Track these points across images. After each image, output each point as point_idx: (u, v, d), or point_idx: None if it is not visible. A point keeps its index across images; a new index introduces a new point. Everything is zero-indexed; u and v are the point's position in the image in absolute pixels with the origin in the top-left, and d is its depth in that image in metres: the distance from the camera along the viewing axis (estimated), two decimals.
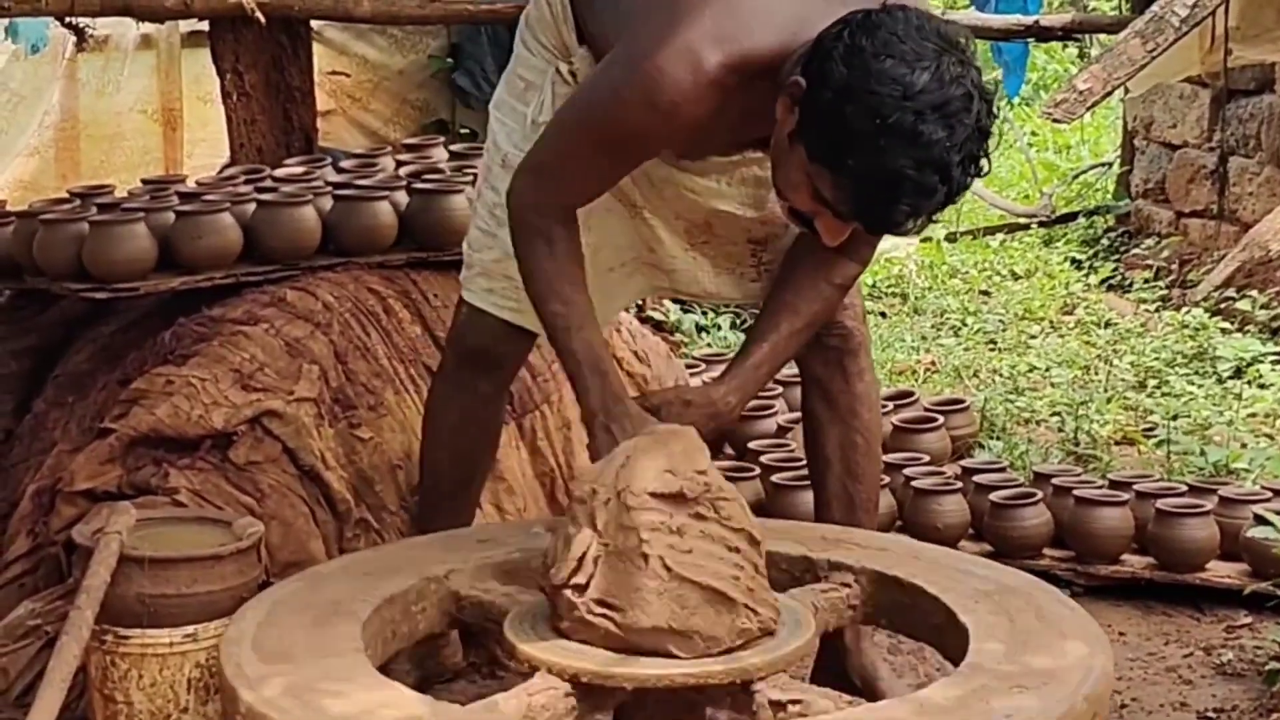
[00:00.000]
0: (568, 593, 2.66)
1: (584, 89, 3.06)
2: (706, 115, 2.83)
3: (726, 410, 3.08)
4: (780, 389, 5.12)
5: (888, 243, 8.92)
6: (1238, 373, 6.47)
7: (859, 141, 2.64)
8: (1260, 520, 4.19)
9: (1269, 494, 4.48)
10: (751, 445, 4.74)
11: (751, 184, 3.26)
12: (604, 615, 2.64)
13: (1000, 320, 7.57)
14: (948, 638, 2.83)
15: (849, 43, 2.67)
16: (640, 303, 6.70)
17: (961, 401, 5.43)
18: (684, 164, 3.21)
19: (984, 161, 2.69)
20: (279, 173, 4.53)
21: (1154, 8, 6.43)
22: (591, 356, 2.95)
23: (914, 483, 4.47)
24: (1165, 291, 7.88)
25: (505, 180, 3.18)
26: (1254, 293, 7.14)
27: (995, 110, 2.70)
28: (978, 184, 10.15)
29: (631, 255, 3.36)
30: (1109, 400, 6.14)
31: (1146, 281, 8.04)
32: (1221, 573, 4.31)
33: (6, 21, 7.21)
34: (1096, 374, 6.58)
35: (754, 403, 4.95)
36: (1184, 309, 7.30)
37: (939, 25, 2.70)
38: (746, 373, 3.11)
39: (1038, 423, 5.94)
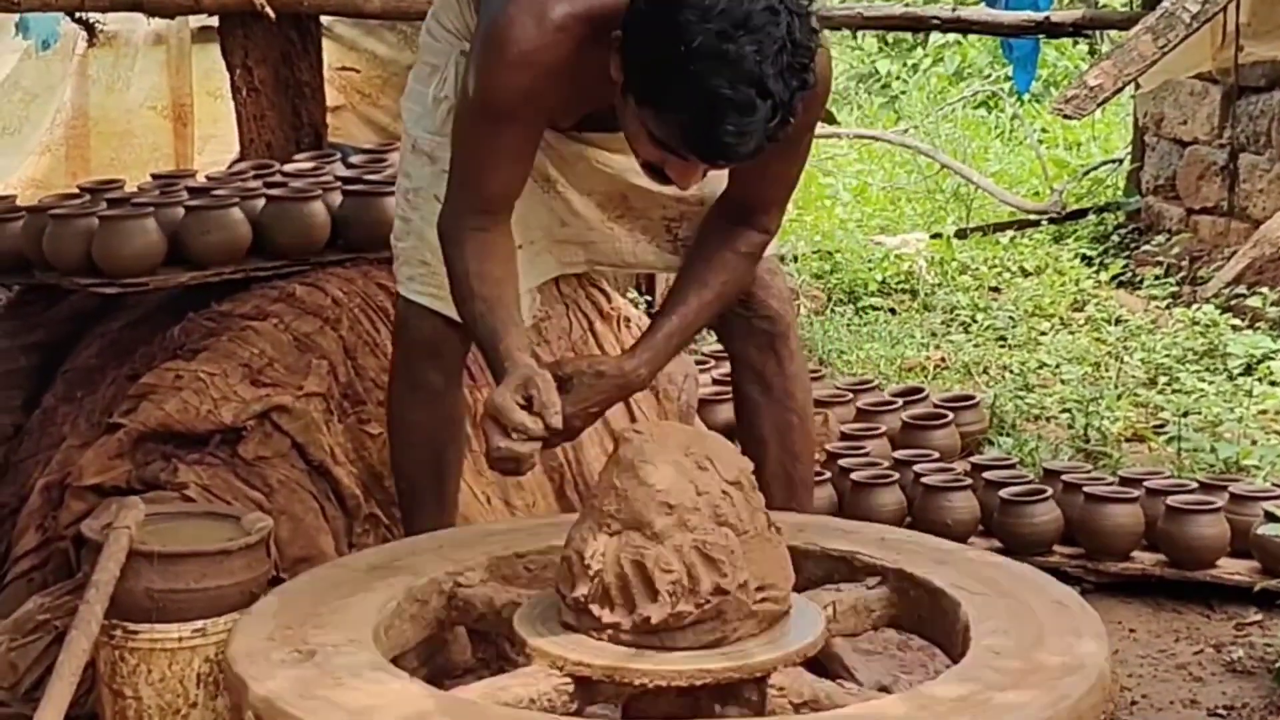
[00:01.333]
0: (593, 608, 2.67)
1: (461, 81, 3.10)
2: (562, 66, 2.87)
3: (637, 381, 3.09)
4: None
5: (896, 239, 8.92)
6: (1248, 369, 6.46)
7: (669, 71, 2.66)
8: (1271, 517, 4.19)
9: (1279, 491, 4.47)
10: (719, 429, 4.73)
11: None
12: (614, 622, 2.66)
13: (1010, 317, 7.56)
14: (949, 633, 2.83)
15: None
16: (650, 300, 6.70)
17: (971, 398, 5.43)
18: (592, 137, 3.25)
19: (806, 75, 2.68)
20: (288, 168, 4.54)
21: (1165, 4, 6.41)
22: (492, 342, 2.94)
23: (923, 479, 4.47)
24: (1176, 288, 7.87)
25: (415, 165, 3.32)
26: (1265, 289, 7.14)
27: (813, 24, 2.70)
28: (987, 180, 10.15)
29: (541, 233, 3.37)
30: (1119, 397, 6.14)
31: (1157, 278, 8.03)
32: (1232, 570, 4.31)
33: (17, 17, 7.22)
34: (1107, 370, 6.58)
35: (718, 388, 4.97)
36: (1194, 306, 7.29)
37: None
38: (658, 344, 3.12)
39: (1048, 419, 5.94)
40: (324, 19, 5.92)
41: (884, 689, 3.40)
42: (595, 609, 2.65)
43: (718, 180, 3.21)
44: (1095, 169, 10.16)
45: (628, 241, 3.44)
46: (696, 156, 2.76)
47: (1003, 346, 7.13)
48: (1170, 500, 4.35)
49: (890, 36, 13.49)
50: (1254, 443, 5.53)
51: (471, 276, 3.01)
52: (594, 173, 3.34)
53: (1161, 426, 5.80)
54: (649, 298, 6.76)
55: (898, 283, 8.26)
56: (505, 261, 3.03)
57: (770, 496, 3.43)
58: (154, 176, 4.53)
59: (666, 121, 2.72)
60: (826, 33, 2.97)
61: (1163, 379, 6.44)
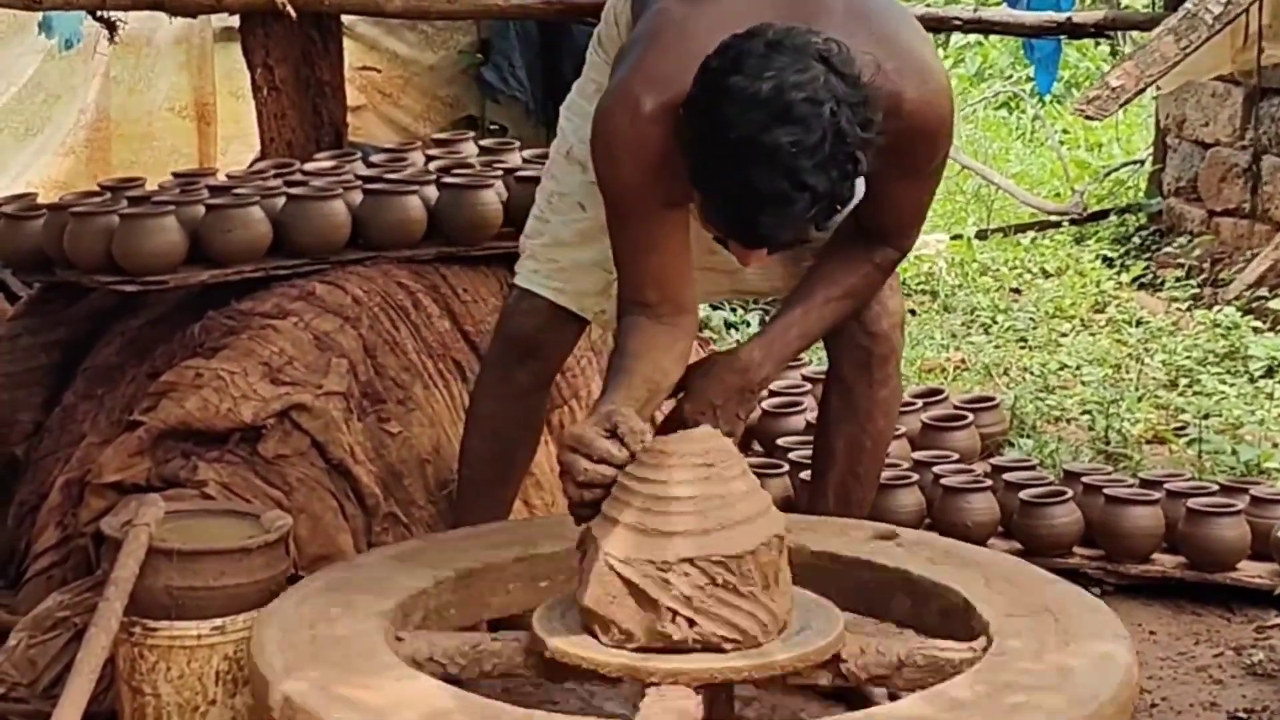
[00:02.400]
0: (606, 614, 2.67)
1: None
2: (660, 156, 2.87)
3: (753, 368, 3.10)
4: (809, 386, 5.11)
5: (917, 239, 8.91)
6: (1269, 372, 6.44)
7: (711, 159, 2.68)
8: None
9: None
10: (780, 442, 4.74)
11: None
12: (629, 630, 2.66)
13: (1031, 318, 7.54)
14: (950, 621, 2.83)
15: (705, 66, 2.71)
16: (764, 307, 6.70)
17: (991, 399, 5.41)
18: None
19: (851, 165, 2.67)
20: (309, 167, 4.54)
21: (1187, 5, 6.39)
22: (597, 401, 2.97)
23: (943, 480, 4.46)
24: (1197, 290, 7.85)
25: (567, 171, 3.34)
26: None
27: (868, 113, 2.68)
28: (1008, 181, 10.10)
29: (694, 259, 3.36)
30: (1140, 399, 6.12)
31: (1178, 280, 8.00)
32: (1252, 572, 4.29)
33: (40, 16, 7.23)
34: (1127, 372, 6.56)
35: (782, 399, 4.97)
36: (1216, 308, 7.27)
37: (799, 39, 2.69)
38: (775, 332, 3.14)
39: (1068, 421, 5.92)
40: (345, 18, 5.94)
41: (894, 697, 3.38)
42: (609, 616, 2.65)
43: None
44: (1116, 170, 10.13)
45: (774, 270, 3.38)
46: (740, 243, 2.78)
47: (1023, 348, 7.11)
48: (1191, 503, 4.34)
49: None
50: (1275, 445, 5.51)
51: (615, 349, 3.06)
52: None
53: (1182, 429, 5.79)
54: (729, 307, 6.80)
55: (918, 284, 8.24)
56: (646, 342, 3.02)
57: (824, 506, 3.47)
58: (175, 175, 4.53)
59: (710, 208, 2.75)
60: (944, 75, 3.01)
61: (1184, 381, 6.42)
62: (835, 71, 2.66)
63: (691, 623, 2.63)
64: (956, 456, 4.75)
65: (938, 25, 7.30)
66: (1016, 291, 8.18)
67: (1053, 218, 9.43)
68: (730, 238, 2.78)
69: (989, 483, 4.48)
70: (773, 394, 5.01)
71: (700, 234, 3.28)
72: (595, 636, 2.68)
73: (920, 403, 5.19)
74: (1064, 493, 4.40)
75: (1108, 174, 10.13)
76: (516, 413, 3.51)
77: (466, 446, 3.58)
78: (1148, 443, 5.70)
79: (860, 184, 3.23)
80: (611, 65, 3.30)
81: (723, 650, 2.64)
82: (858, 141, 2.66)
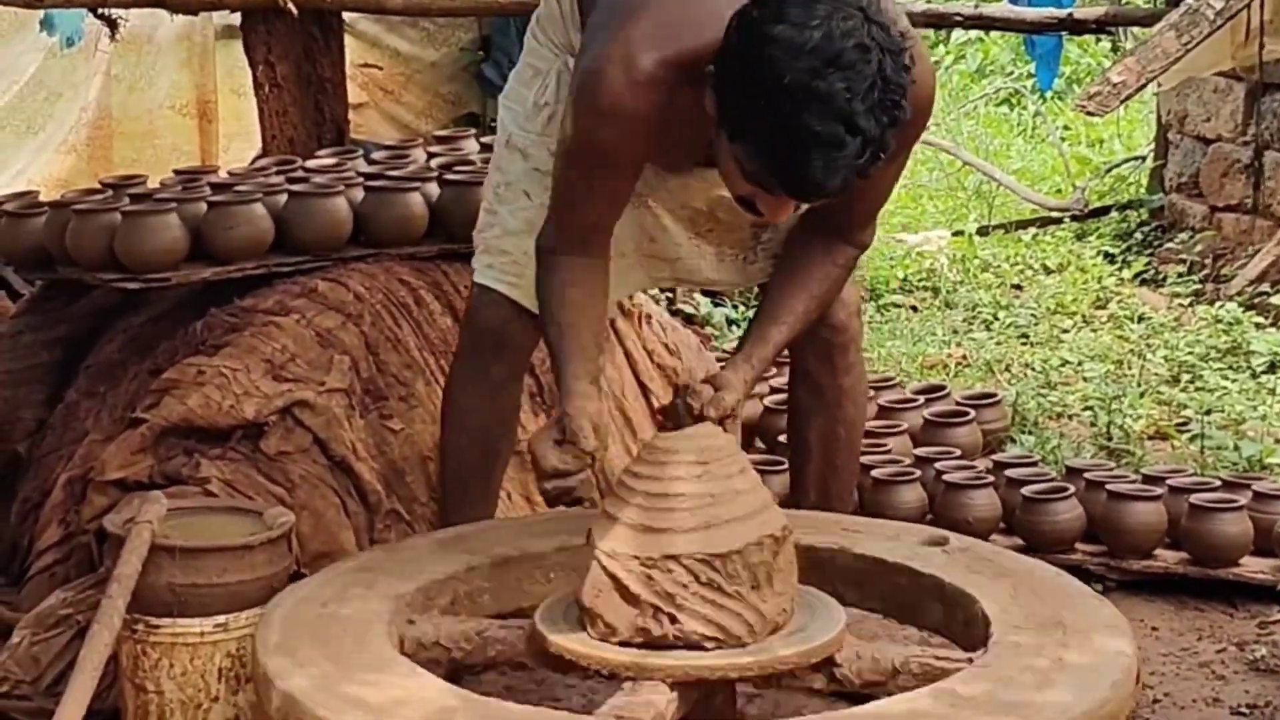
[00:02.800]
0: (609, 612, 2.68)
1: (561, 119, 3.14)
2: (653, 114, 2.89)
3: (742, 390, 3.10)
4: None
5: (918, 237, 8.91)
6: (1272, 367, 6.43)
7: (760, 107, 2.68)
8: None
9: None
10: (782, 438, 4.73)
11: None
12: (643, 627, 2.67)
13: (1032, 314, 7.54)
14: (969, 630, 2.82)
15: (743, 16, 2.72)
16: (670, 296, 6.69)
17: (993, 396, 5.41)
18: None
19: (898, 112, 2.69)
20: (310, 164, 4.54)
21: (1188, 0, 6.39)
22: (559, 366, 3.02)
23: (945, 477, 4.46)
24: (1199, 286, 7.84)
25: (509, 160, 3.36)
26: None
27: (907, 61, 2.71)
28: (1009, 177, 10.10)
29: (631, 246, 3.39)
30: (1142, 395, 6.12)
31: (1180, 276, 8.00)
32: (1255, 568, 4.29)
33: (41, 14, 7.23)
34: (1129, 368, 6.56)
35: (783, 395, 4.96)
36: (1218, 303, 7.26)
37: None
38: (757, 353, 3.13)
39: (1070, 417, 5.92)
40: (346, 15, 5.94)
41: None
42: (595, 609, 2.66)
43: None
44: (1118, 166, 10.12)
45: (712, 260, 3.44)
46: (786, 192, 2.78)
47: (1025, 344, 7.11)
48: (1193, 498, 4.34)
49: None
50: (1277, 441, 5.51)
51: (554, 300, 3.07)
52: (685, 188, 3.34)
53: (1184, 424, 5.78)
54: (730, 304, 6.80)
55: (919, 280, 8.23)
56: (591, 288, 3.07)
57: (806, 503, 3.48)
58: (176, 172, 4.53)
59: (757, 157, 2.74)
60: (925, 51, 3.01)
61: (1186, 377, 6.41)
62: (872, 20, 2.68)
63: (673, 619, 2.64)
64: (958, 453, 4.75)
65: (939, 21, 7.31)
66: (1018, 288, 8.17)
67: (1054, 214, 9.43)
68: (778, 186, 2.76)
69: (991, 479, 4.48)
70: (774, 390, 5.01)
71: (644, 223, 3.31)
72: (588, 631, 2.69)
73: (922, 399, 5.20)
74: (1066, 489, 4.40)
75: (1109, 170, 10.12)
76: (494, 406, 3.49)
77: (447, 446, 3.55)
78: (1150, 438, 5.69)
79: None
80: (556, 47, 3.33)
81: (704, 648, 2.64)
82: (900, 89, 2.69)
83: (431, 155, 4.53)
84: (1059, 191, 10.10)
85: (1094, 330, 7.28)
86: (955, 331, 7.30)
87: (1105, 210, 9.36)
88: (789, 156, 2.68)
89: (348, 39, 6.17)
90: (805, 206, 2.93)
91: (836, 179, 2.70)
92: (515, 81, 3.47)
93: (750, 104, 2.69)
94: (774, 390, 5.01)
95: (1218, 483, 4.54)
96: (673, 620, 2.64)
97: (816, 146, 2.64)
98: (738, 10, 2.73)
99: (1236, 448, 5.34)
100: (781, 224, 3.33)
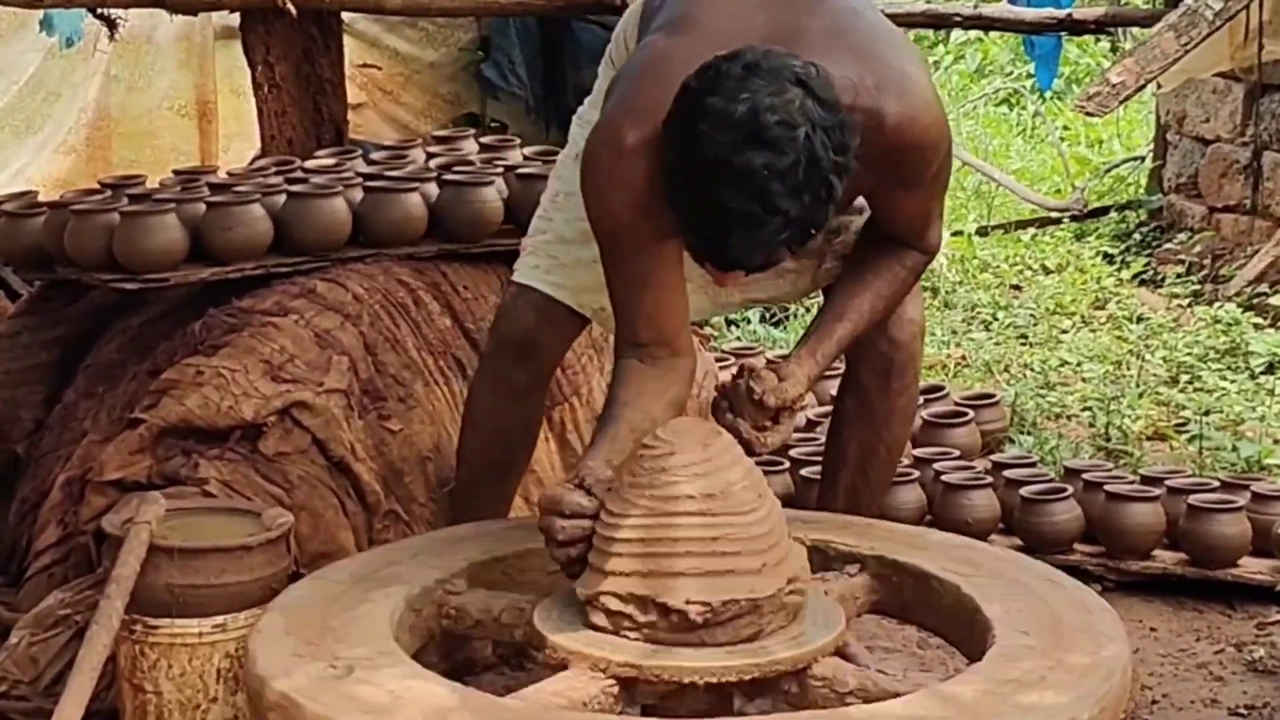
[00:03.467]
0: (623, 606, 2.68)
1: None
2: (643, 188, 2.86)
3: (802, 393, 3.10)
4: None
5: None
6: (1270, 368, 6.44)
7: (684, 178, 2.68)
8: None
9: None
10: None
11: None
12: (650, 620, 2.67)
13: (1031, 315, 7.54)
14: (968, 631, 2.82)
15: (684, 87, 2.71)
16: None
17: (992, 396, 5.42)
18: None
19: (824, 190, 2.65)
20: (309, 164, 4.54)
21: (1187, 1, 6.39)
22: (586, 456, 2.97)
23: (944, 477, 4.46)
24: (1197, 286, 7.84)
25: (573, 171, 3.28)
26: None
27: (845, 138, 2.67)
28: (1008, 178, 10.09)
29: (698, 272, 3.35)
30: (1140, 395, 6.12)
31: (1179, 276, 8.00)
32: (1253, 569, 4.29)
33: (41, 14, 7.22)
34: (1128, 369, 6.56)
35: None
36: (1216, 304, 7.27)
37: (776, 61, 2.68)
38: (830, 352, 3.14)
39: (1068, 418, 5.92)
40: (345, 15, 5.93)
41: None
42: (625, 607, 2.66)
43: None
44: (1117, 167, 10.12)
45: (777, 277, 3.37)
46: (713, 264, 2.78)
47: (1024, 344, 7.11)
48: (1191, 499, 4.34)
49: (912, 34, 13.45)
50: (1276, 442, 5.51)
51: (607, 396, 3.06)
52: None
53: (1183, 425, 5.79)
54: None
55: None
56: (639, 391, 3.02)
57: (832, 510, 3.46)
58: (175, 173, 4.54)
59: (683, 226, 2.74)
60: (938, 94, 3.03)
61: (1184, 377, 6.42)
62: (812, 95, 2.65)
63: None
64: (957, 453, 4.75)
65: (938, 22, 7.31)
66: (1017, 288, 8.18)
67: (1053, 214, 9.43)
68: (702, 258, 2.78)
69: (990, 480, 4.48)
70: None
71: None
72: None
73: (921, 399, 5.19)
74: (1064, 489, 4.40)
75: (1108, 170, 10.12)
76: (515, 412, 3.50)
77: (465, 447, 3.57)
78: (1148, 439, 5.70)
79: (861, 202, 3.25)
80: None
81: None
82: (831, 167, 2.65)
83: (430, 155, 4.53)
84: (1058, 192, 10.11)
85: (1093, 331, 7.29)
86: (954, 332, 7.30)
87: (1104, 211, 9.36)
88: (708, 231, 2.69)
89: (347, 39, 6.17)
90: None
91: (755, 256, 2.70)
92: (590, 106, 3.47)
93: (678, 175, 2.69)
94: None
95: (1216, 483, 4.54)
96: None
97: (733, 223, 2.64)
98: (685, 78, 2.72)
99: (1235, 448, 5.35)
100: (855, 225, 3.33)
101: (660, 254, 2.99)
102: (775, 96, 2.62)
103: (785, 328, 6.97)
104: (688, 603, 2.61)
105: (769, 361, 3.15)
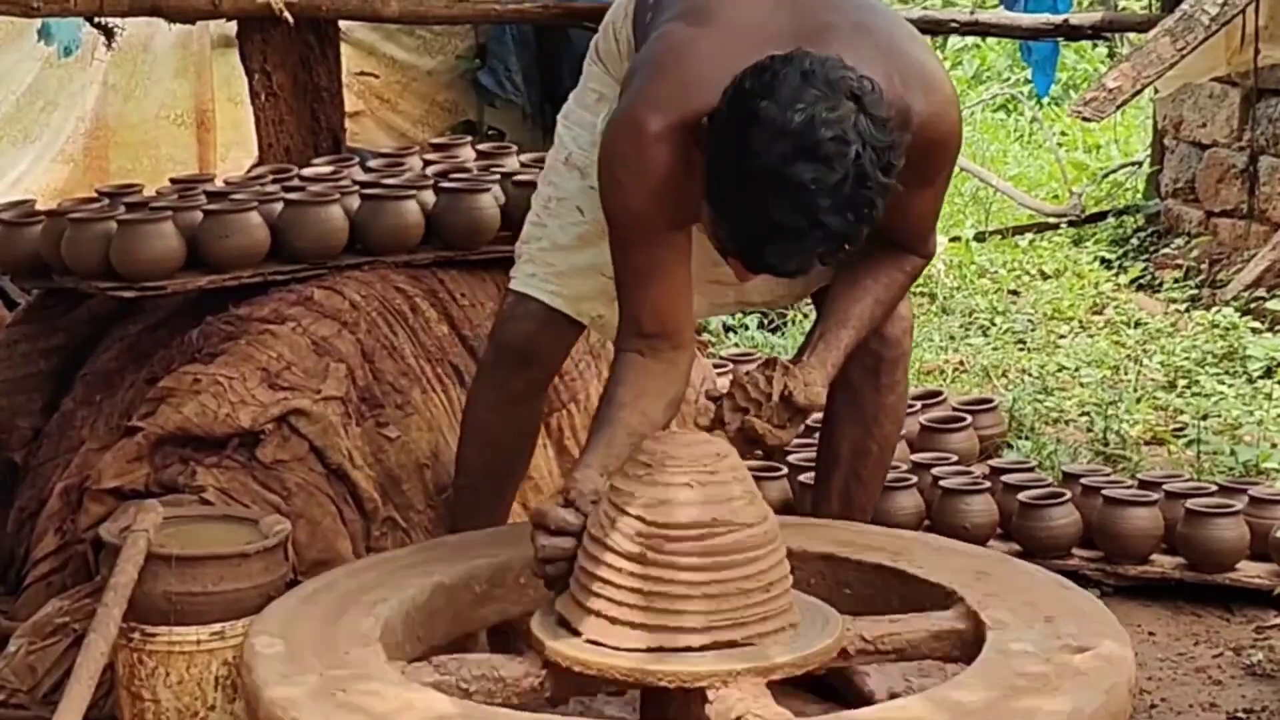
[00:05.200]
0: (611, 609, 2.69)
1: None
2: (667, 177, 2.88)
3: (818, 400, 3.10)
4: None
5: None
6: (1268, 372, 6.44)
7: (731, 181, 2.68)
8: None
9: None
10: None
11: None
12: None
13: (1029, 320, 7.54)
14: (961, 634, 2.83)
15: (737, 86, 2.71)
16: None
17: (990, 401, 5.42)
18: None
19: (868, 209, 2.67)
20: (306, 172, 4.54)
21: (1184, 6, 6.41)
22: (580, 463, 2.98)
23: (942, 482, 4.46)
24: (1195, 291, 7.84)
25: (565, 177, 3.35)
26: None
27: (892, 159, 2.68)
28: (1006, 183, 10.10)
29: (696, 272, 3.36)
30: (1138, 400, 6.12)
31: (1176, 281, 8.00)
32: (1251, 573, 4.29)
33: (39, 23, 7.23)
34: (1126, 374, 6.56)
35: None
36: (1214, 308, 7.27)
37: (834, 73, 2.68)
38: (831, 357, 3.13)
39: (1066, 423, 5.92)
40: (342, 24, 5.94)
41: (894, 695, 3.39)
42: (614, 610, 2.66)
43: None
44: (1114, 172, 10.13)
45: (783, 282, 3.38)
46: (746, 266, 2.79)
47: (1021, 350, 7.11)
48: (1189, 503, 4.34)
49: None
50: (1274, 445, 5.51)
51: (604, 394, 3.07)
52: None
53: (1181, 429, 5.79)
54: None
55: (916, 286, 8.18)
56: (640, 389, 3.03)
57: (826, 510, 3.46)
58: (172, 181, 4.53)
59: (720, 226, 2.75)
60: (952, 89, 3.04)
61: (1182, 382, 6.42)
62: (865, 112, 2.66)
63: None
64: (955, 458, 4.75)
65: (935, 28, 7.32)
66: (1015, 293, 8.18)
67: (1051, 219, 9.44)
68: (739, 258, 2.78)
69: (988, 484, 4.48)
70: None
71: (706, 248, 3.30)
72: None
73: (919, 405, 5.20)
74: (1062, 494, 4.40)
75: (1105, 175, 10.13)
76: (513, 421, 3.50)
77: (463, 456, 3.57)
78: (1146, 444, 5.70)
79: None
80: (617, 81, 3.31)
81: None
82: (878, 187, 2.66)
83: (428, 163, 4.53)
84: (1056, 197, 10.11)
85: (1090, 336, 7.29)
86: (952, 337, 7.31)
87: (1102, 216, 9.37)
88: (749, 236, 2.70)
89: (344, 47, 6.17)
90: None
91: (791, 265, 2.72)
92: (576, 104, 3.47)
93: (723, 175, 2.70)
94: None
95: (1214, 488, 4.55)
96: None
97: (775, 233, 2.65)
98: (736, 75, 2.72)
99: (1233, 453, 5.35)
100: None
101: (672, 244, 3.01)
102: (831, 110, 2.62)
103: (784, 334, 6.97)
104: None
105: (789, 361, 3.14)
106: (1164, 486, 4.48)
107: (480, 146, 4.71)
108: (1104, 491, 4.39)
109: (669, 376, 3.06)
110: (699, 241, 3.31)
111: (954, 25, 7.01)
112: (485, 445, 3.51)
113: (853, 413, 3.49)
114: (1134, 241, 8.92)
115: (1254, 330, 6.87)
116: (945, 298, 7.99)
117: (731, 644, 2.64)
